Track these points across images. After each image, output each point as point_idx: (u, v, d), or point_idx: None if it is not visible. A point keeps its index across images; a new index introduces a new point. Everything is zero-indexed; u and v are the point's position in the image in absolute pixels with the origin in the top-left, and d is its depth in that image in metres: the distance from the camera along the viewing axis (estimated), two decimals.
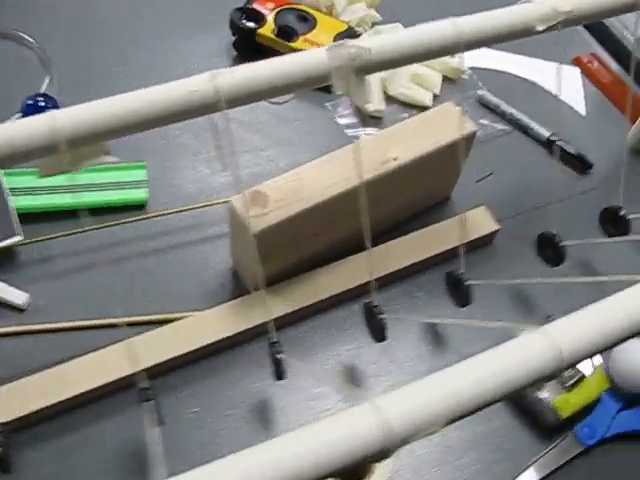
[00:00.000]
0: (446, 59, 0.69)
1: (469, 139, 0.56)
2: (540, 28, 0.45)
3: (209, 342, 0.50)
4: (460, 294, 0.52)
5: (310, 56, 0.40)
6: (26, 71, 0.66)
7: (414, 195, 0.58)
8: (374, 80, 0.65)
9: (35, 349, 0.50)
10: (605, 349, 0.32)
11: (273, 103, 0.66)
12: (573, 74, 0.73)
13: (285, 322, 0.53)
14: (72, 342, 0.51)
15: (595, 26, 0.78)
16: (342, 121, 0.65)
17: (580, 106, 0.70)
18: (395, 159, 0.52)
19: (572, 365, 0.31)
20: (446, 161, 0.56)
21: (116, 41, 0.69)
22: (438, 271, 0.57)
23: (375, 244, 0.56)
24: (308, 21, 0.67)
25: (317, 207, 0.50)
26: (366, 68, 0.41)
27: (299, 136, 0.65)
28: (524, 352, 0.31)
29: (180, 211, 0.57)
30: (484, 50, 0.72)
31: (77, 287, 0.54)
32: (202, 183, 0.61)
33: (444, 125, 0.55)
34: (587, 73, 0.73)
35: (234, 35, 0.68)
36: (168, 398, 0.50)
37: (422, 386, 0.29)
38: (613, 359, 0.53)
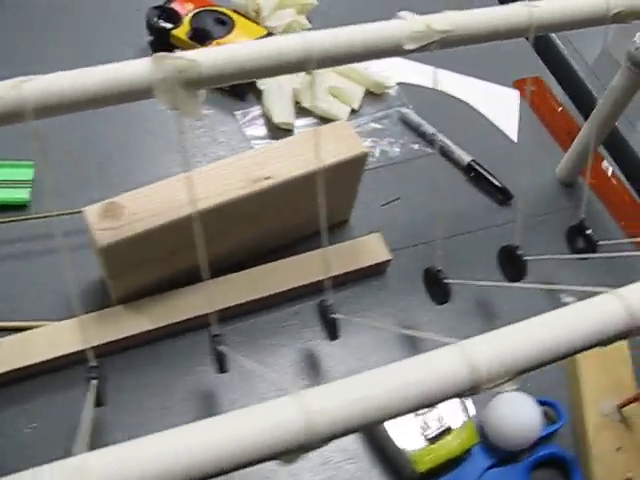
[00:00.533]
0: (369, 72, 0.65)
1: (359, 161, 0.52)
2: (409, 47, 0.41)
3: (53, 356, 0.48)
4: (328, 326, 0.49)
5: (132, 67, 0.37)
6: None
7: (299, 217, 0.54)
8: (285, 90, 0.62)
9: None
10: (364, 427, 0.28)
11: None
12: (511, 97, 0.68)
13: (138, 341, 0.50)
14: None
15: (545, 48, 0.73)
16: (249, 131, 0.62)
17: (512, 132, 0.66)
18: (268, 178, 0.49)
19: (328, 439, 0.28)
20: (333, 183, 0.53)
21: (31, 33, 0.67)
22: (317, 299, 0.53)
23: (251, 266, 0.53)
24: (226, 25, 0.64)
25: (175, 224, 0.47)
26: (197, 81, 0.38)
27: (203, 144, 0.62)
28: (272, 418, 0.27)
29: (57, 215, 0.54)
30: (417, 65, 0.68)
31: None
32: (90, 187, 0.58)
33: (333, 144, 0.51)
34: (527, 97, 0.69)
35: (151, 35, 0.65)
36: (9, 410, 0.47)
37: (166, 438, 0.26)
38: (487, 413, 0.48)
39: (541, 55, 0.73)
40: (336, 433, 0.27)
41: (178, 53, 0.37)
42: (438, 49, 0.42)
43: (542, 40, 0.75)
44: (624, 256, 0.51)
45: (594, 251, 0.54)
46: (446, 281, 0.50)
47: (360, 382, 0.29)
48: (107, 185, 0.58)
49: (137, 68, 0.37)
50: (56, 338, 0.49)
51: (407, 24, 0.41)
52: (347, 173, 0.53)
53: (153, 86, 0.37)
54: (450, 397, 0.30)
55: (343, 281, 0.55)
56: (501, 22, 0.44)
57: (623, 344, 0.55)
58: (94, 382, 0.40)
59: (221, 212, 0.48)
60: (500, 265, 0.53)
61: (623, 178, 0.67)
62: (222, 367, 0.45)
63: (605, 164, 0.67)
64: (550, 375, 0.54)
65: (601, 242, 0.53)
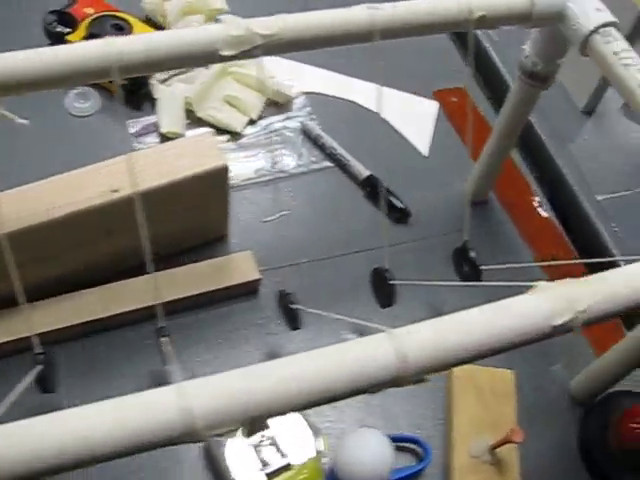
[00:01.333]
0: (271, 81, 0.62)
1: (219, 174, 0.49)
2: (227, 53, 0.38)
3: None
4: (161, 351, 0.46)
5: None
6: None
7: (162, 231, 0.51)
8: (177, 99, 0.59)
9: None
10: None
11: (75, 116, 0.61)
12: (429, 109, 0.64)
13: None
14: None
15: (475, 57, 0.69)
16: (140, 141, 0.60)
17: (424, 145, 0.62)
18: (115, 191, 0.47)
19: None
20: (195, 197, 0.50)
21: None
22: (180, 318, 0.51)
23: (107, 281, 0.51)
24: (123, 31, 0.62)
25: (13, 236, 0.45)
26: None
27: (90, 152, 0.59)
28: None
29: None
30: (328, 74, 0.65)
31: None
32: None
33: (193, 157, 0.49)
34: (446, 108, 0.65)
35: (49, 39, 0.63)
36: None
37: None
38: (336, 450, 0.45)
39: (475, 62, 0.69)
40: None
41: None
42: (263, 55, 0.39)
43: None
44: (496, 285, 0.46)
45: (478, 276, 0.49)
46: (292, 306, 0.46)
47: (63, 419, 0.26)
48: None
49: None
50: None
51: (224, 28, 0.38)
52: (208, 187, 0.50)
53: None
54: (160, 444, 0.26)
55: (211, 299, 0.52)
56: (338, 26, 0.40)
57: (510, 378, 0.50)
58: None
59: (65, 225, 0.46)
60: (373, 289, 0.49)
61: (545, 200, 0.62)
62: (47, 387, 0.42)
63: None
64: (428, 410, 0.50)
65: (483, 267, 0.49)
